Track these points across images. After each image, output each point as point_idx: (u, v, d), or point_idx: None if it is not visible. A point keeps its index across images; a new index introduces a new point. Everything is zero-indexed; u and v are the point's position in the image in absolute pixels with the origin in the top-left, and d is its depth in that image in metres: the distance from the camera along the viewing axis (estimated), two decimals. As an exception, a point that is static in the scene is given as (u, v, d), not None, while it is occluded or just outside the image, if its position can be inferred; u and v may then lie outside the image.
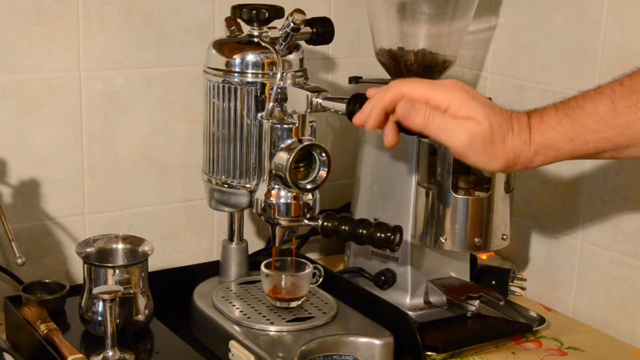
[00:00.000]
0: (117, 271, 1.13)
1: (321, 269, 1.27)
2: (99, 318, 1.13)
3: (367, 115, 1.04)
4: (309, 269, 1.25)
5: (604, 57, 1.33)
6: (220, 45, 1.23)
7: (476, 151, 0.99)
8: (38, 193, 1.37)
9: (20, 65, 1.31)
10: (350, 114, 1.09)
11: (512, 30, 1.49)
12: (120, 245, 1.20)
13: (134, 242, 1.20)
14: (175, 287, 1.35)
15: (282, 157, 1.16)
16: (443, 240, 1.26)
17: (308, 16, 1.20)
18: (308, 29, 1.22)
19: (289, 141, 1.17)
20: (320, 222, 1.19)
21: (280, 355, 1.12)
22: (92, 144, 1.39)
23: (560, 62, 1.40)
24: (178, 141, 1.47)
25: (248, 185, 1.22)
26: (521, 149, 1.00)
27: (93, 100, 1.38)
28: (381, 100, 1.02)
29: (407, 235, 1.32)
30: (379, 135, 1.34)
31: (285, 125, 1.17)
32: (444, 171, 1.24)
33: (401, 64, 1.35)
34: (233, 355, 1.17)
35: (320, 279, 1.28)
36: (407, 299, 1.34)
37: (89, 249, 1.17)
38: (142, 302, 1.16)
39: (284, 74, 1.18)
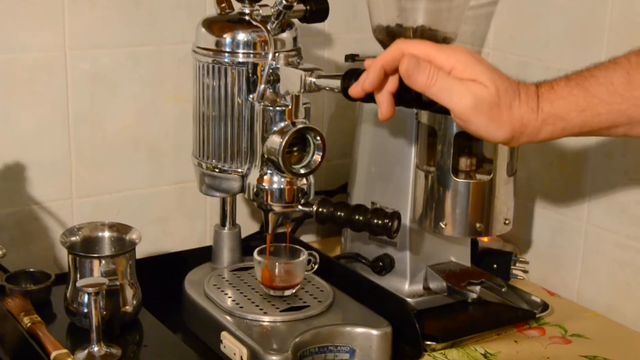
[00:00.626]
0: (103, 262, 1.08)
1: (316, 255, 1.23)
2: (85, 310, 1.09)
3: (364, 78, 0.97)
4: (303, 256, 1.20)
5: (610, 33, 1.28)
6: (209, 24, 1.18)
7: (481, 117, 0.93)
8: (23, 177, 1.32)
9: (2, 45, 1.26)
10: (345, 90, 1.03)
11: (515, 5, 1.43)
12: (106, 234, 1.15)
13: (121, 230, 1.15)
14: (166, 274, 1.31)
15: (275, 141, 1.11)
16: (443, 226, 1.21)
17: (301, -8, 1.15)
18: (301, 7, 1.16)
19: (282, 124, 1.12)
20: (315, 207, 1.14)
21: (274, 348, 1.08)
22: (79, 125, 1.34)
23: (565, 38, 1.35)
24: (168, 122, 1.42)
25: (240, 170, 1.17)
26: (528, 117, 0.94)
27: (79, 80, 1.33)
28: (380, 57, 0.96)
29: (406, 220, 1.27)
30: (376, 114, 1.29)
31: (277, 108, 1.12)
32: (444, 153, 1.20)
33: (399, 41, 1.29)
34: (225, 347, 1.12)
35: (316, 266, 1.23)
36: (405, 285, 1.30)
37: (73, 238, 1.12)
38: (129, 292, 1.12)
39: (277, 54, 1.13)
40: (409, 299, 1.28)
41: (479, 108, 0.92)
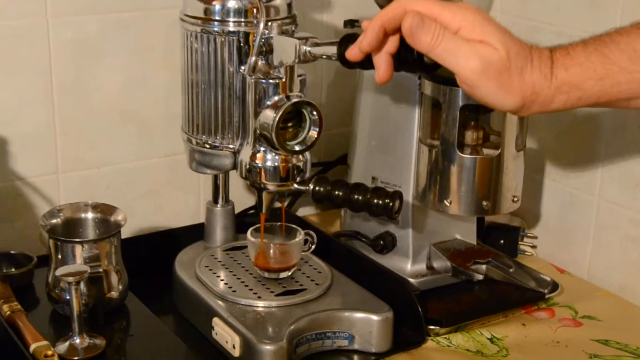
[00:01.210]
0: (86, 246, 1.01)
1: (314, 235, 1.16)
2: (67, 297, 1.02)
3: (361, 39, 0.90)
4: (300, 236, 1.14)
5: (626, -4, 1.20)
6: (198, -11, 1.10)
7: (489, 82, 0.85)
8: (6, 152, 1.25)
9: (-22, 12, 1.19)
10: (341, 56, 0.96)
11: (524, -34, 1.35)
12: (90, 215, 1.09)
13: (105, 210, 1.09)
14: (156, 253, 1.25)
15: (268, 116, 1.04)
16: (447, 204, 1.15)
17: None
18: (296, -30, 1.08)
19: (276, 98, 1.04)
20: (311, 186, 1.07)
21: (268, 336, 1.02)
22: (63, 97, 1.27)
23: (578, 1, 1.27)
24: (158, 92, 1.34)
25: (231, 146, 1.10)
26: (541, 84, 0.86)
27: (63, 49, 1.25)
28: (380, 15, 0.88)
29: (408, 196, 1.21)
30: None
31: (271, 80, 1.04)
32: (449, 127, 1.12)
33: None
34: (217, 334, 1.06)
35: (313, 246, 1.17)
36: (408, 264, 1.23)
37: (54, 221, 1.06)
38: (114, 277, 1.06)
39: (269, 22, 1.05)
40: (411, 280, 1.22)
41: (487, 72, 0.85)
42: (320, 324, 1.07)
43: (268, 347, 1.00)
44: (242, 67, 1.07)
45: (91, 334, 0.99)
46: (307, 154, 1.09)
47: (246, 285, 1.12)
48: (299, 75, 1.06)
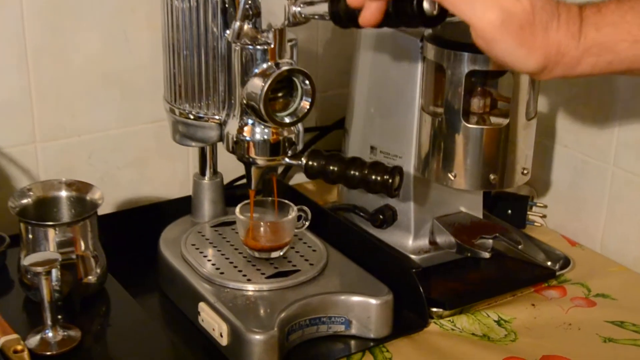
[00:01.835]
0: (59, 230, 0.93)
1: (308, 211, 1.08)
2: (40, 284, 0.94)
3: None
4: (292, 213, 1.06)
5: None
6: (177, -56, 1.00)
7: (508, 37, 0.75)
8: (-23, 121, 1.17)
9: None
10: (334, 14, 0.87)
11: None
12: (64, 193, 1.00)
13: (81, 188, 1.00)
14: (141, 228, 1.17)
15: (256, 85, 0.95)
16: (452, 177, 1.06)
17: None
18: None
19: (264, 65, 0.95)
20: (304, 160, 0.99)
21: (258, 324, 0.94)
22: (39, 61, 1.18)
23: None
24: (142, 53, 1.25)
25: (217, 117, 1.02)
26: (567, 44, 0.77)
27: (37, 8, 1.15)
28: None
29: (410, 167, 1.12)
30: (376, 42, 1.13)
31: (258, 47, 0.95)
32: (453, 94, 1.03)
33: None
34: (203, 320, 0.99)
35: (307, 223, 1.09)
36: (409, 240, 1.15)
37: (24, 201, 0.98)
38: (91, 261, 0.98)
39: (256, -19, 0.96)
40: (413, 256, 1.14)
41: (507, 26, 0.75)
42: (315, 309, 1.00)
43: (258, 336, 0.93)
44: (227, 32, 0.97)
45: (65, 325, 0.92)
46: (300, 125, 1.00)
47: (235, 266, 1.04)
48: (290, 40, 0.97)
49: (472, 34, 0.77)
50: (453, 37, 1.02)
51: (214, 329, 0.97)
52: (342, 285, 1.02)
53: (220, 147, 1.15)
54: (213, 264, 1.05)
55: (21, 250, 0.96)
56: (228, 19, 0.98)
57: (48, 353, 0.89)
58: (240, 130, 0.99)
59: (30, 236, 0.94)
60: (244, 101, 0.97)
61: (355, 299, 1.00)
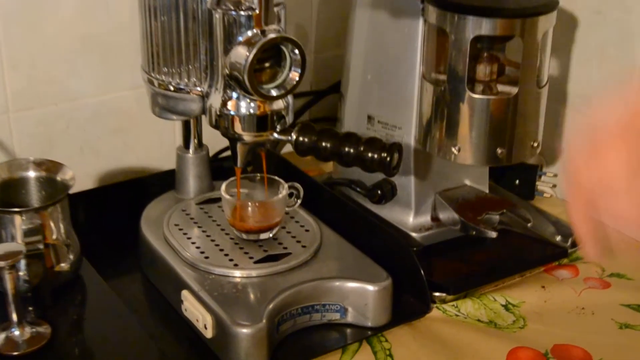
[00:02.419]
0: (25, 216, 0.85)
1: (300, 188, 1.00)
2: (6, 278, 0.87)
3: None
4: (283, 191, 0.98)
5: None
6: None
7: None
8: (-56, 90, 1.09)
9: None
10: None
11: None
12: (32, 173, 0.92)
13: (51, 168, 0.92)
14: (122, 205, 1.09)
15: (240, 55, 0.86)
16: (455, 151, 0.98)
17: None
18: None
19: (249, 33, 0.86)
20: (294, 136, 0.91)
21: (245, 316, 0.87)
22: (10, 26, 1.09)
23: None
24: (122, 14, 1.16)
25: (199, 88, 0.93)
26: None
27: (4, -32, 1.07)
28: None
29: (410, 138, 1.04)
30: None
31: (242, 12, 0.86)
32: (457, 61, 0.95)
33: None
34: (186, 309, 0.91)
35: (299, 201, 1.01)
36: (410, 217, 1.07)
37: (-11, 183, 0.90)
38: (63, 248, 0.90)
39: (238, -62, 0.86)
40: (413, 234, 1.06)
41: None
42: (308, 297, 0.92)
43: (244, 330, 0.85)
44: (208, -4, 0.88)
45: (34, 321, 0.84)
46: (290, 97, 0.92)
47: (221, 250, 0.97)
48: (277, 5, 0.88)
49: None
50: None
51: (197, 320, 0.89)
52: (337, 270, 0.95)
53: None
54: (197, 247, 0.97)
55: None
56: (209, -20, 0.89)
57: (15, 353, 0.81)
58: (224, 103, 0.90)
59: (-5, 223, 0.86)
60: (227, 72, 0.88)
61: (351, 285, 0.93)
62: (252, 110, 0.90)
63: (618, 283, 1.03)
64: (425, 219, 1.07)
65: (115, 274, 1.01)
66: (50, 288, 0.88)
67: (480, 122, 0.95)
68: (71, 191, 1.06)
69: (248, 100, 0.89)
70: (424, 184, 1.07)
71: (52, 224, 0.87)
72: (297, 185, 1.00)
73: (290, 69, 0.88)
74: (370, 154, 0.88)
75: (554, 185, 1.21)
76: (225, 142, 1.21)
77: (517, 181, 1.19)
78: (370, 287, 0.92)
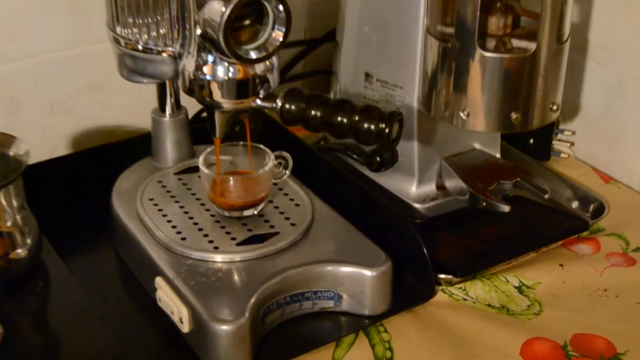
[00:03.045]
0: (-30, 202, 0.75)
1: (288, 158, 0.89)
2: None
3: None
4: (269, 163, 0.87)
5: None
6: None
7: None
8: None
9: None
10: None
11: None
12: (-23, 149, 0.81)
13: (3, 142, 0.81)
14: (94, 174, 0.99)
15: (215, 10, 0.74)
16: (464, 116, 0.86)
17: None
18: None
19: (225, -15, 0.74)
20: (279, 103, 0.79)
21: (226, 310, 0.77)
22: (-39, -28, 0.98)
23: None
24: (89, -43, 1.04)
25: (170, 48, 0.81)
26: None
27: None
28: None
29: (413, 100, 0.92)
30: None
31: (215, -39, 0.74)
32: (466, 13, 0.82)
33: None
34: (160, 300, 0.81)
35: (287, 172, 0.90)
36: (413, 186, 0.96)
37: None
38: (17, 234, 0.79)
39: None
40: (416, 205, 0.96)
41: None
42: (297, 283, 0.82)
43: (224, 326, 0.75)
44: (177, -60, 0.76)
45: (-19, 323, 0.74)
46: (274, 58, 0.80)
47: (200, 229, 0.86)
48: (257, -49, 0.76)
49: None
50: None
51: (172, 312, 0.79)
52: (330, 252, 0.84)
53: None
54: (174, 227, 0.86)
55: None
56: None
57: (-40, 360, 0.72)
58: (200, 66, 0.78)
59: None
60: (201, 30, 0.76)
61: (346, 269, 0.82)
62: (231, 74, 0.78)
63: (644, 259, 0.92)
64: (430, 187, 0.97)
65: (86, 255, 0.91)
66: (4, 279, 0.78)
67: (493, 83, 0.84)
68: (36, 160, 0.96)
69: (226, 63, 0.78)
70: (428, 149, 0.96)
71: (4, 208, 0.77)
72: (286, 154, 0.89)
73: (273, 28, 0.76)
74: (366, 125, 0.76)
75: (572, 144, 1.10)
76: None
77: (532, 140, 1.08)
78: (367, 272, 0.82)
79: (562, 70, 0.86)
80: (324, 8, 1.22)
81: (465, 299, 0.87)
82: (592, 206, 1.00)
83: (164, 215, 0.88)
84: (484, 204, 0.91)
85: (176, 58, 0.81)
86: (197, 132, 1.00)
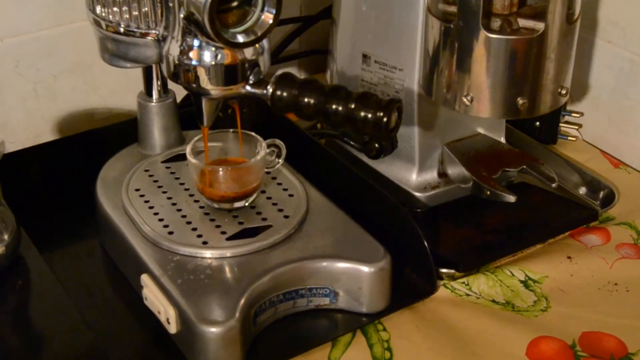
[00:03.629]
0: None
1: (281, 146, 0.84)
2: None
3: None
4: (261, 152, 0.82)
5: None
6: None
7: None
8: None
9: None
10: None
11: None
12: (-46, 141, 0.77)
13: (-23, 133, 0.77)
14: (79, 162, 0.94)
15: (200, -9, 0.69)
16: (467, 101, 0.81)
17: None
18: None
19: (210, -36, 0.69)
20: (270, 89, 0.74)
21: (215, 311, 0.72)
22: None
23: None
24: None
25: (154, 31, 0.76)
26: None
27: None
28: None
29: (413, 82, 0.87)
30: None
31: (200, -62, 0.69)
32: (470, -9, 0.77)
33: None
34: (146, 299, 0.77)
35: (280, 161, 0.85)
36: (413, 173, 0.92)
37: None
38: (-7, 232, 0.75)
39: None
40: (417, 193, 0.91)
41: None
42: (291, 280, 0.77)
43: (213, 329, 0.71)
44: None
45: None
46: (265, 41, 0.75)
47: (189, 222, 0.81)
48: None
49: None
50: None
51: (159, 312, 0.75)
52: (325, 247, 0.79)
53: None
54: (160, 220, 0.82)
55: None
56: None
57: None
58: (185, 51, 0.73)
59: None
60: (185, 11, 0.71)
61: (343, 265, 0.78)
62: (218, 59, 0.73)
63: (657, 250, 0.88)
64: (431, 175, 0.92)
65: (69, 249, 0.87)
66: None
67: (498, 66, 0.79)
68: (19, 147, 0.92)
69: (213, 47, 0.73)
70: (429, 134, 0.91)
71: (-23, 204, 0.72)
72: (279, 142, 0.84)
73: (262, 9, 0.71)
74: (362, 114, 0.72)
75: (580, 126, 1.05)
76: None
77: (538, 123, 1.03)
78: (365, 268, 0.78)
79: (571, 52, 0.81)
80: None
81: (468, 295, 0.82)
82: (601, 193, 0.95)
83: (151, 207, 0.83)
84: (488, 193, 0.87)
85: (160, 41, 0.76)
86: (186, 116, 0.95)
